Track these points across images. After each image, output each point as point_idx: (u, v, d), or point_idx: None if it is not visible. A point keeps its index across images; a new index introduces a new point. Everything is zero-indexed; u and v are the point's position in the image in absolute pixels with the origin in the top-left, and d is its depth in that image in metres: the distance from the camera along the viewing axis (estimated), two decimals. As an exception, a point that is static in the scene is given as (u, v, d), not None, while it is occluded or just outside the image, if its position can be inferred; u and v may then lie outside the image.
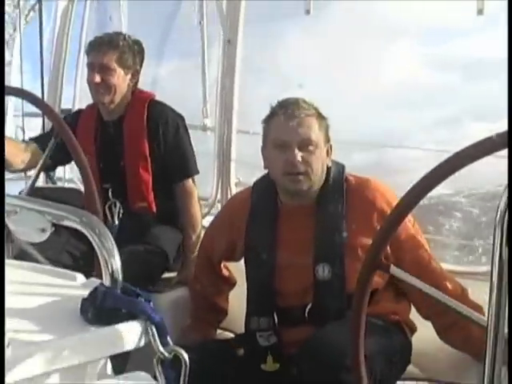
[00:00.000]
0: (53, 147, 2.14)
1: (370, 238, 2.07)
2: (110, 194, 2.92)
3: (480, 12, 2.75)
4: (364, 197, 2.25)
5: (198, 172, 3.05)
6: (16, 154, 2.78)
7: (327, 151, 2.28)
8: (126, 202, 2.93)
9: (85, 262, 2.63)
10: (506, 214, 1.33)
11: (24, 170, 3.03)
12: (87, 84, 2.93)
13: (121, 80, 2.90)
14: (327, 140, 2.27)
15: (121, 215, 2.92)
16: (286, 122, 2.20)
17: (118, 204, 2.92)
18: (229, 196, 3.49)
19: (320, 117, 2.25)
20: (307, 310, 2.21)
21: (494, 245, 1.38)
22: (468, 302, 2.15)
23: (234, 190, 3.48)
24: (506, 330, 1.37)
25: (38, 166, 2.25)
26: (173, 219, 3.01)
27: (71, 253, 2.80)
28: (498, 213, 1.35)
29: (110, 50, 2.87)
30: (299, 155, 2.17)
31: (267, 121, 2.29)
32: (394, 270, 1.55)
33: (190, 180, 3.00)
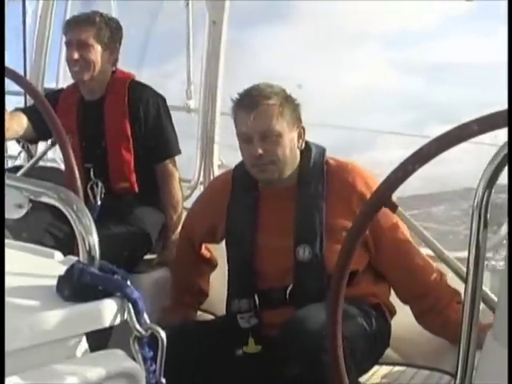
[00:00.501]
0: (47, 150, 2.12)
1: (349, 220, 2.10)
2: (91, 173, 2.91)
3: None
4: (344, 179, 2.26)
5: (179, 152, 3.05)
6: (11, 127, 2.75)
7: (299, 134, 2.27)
8: (108, 182, 2.93)
9: (67, 243, 2.62)
10: (484, 198, 1.33)
11: (10, 138, 2.99)
12: (66, 62, 2.94)
13: (99, 56, 2.90)
14: (297, 123, 2.26)
15: (103, 195, 2.91)
16: (245, 115, 2.21)
17: (99, 184, 2.91)
18: (212, 178, 3.49)
19: (285, 101, 2.23)
20: (288, 291, 2.22)
21: (471, 230, 1.38)
22: (445, 286, 2.17)
23: (217, 172, 3.47)
24: (480, 316, 1.38)
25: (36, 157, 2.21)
26: (155, 200, 3.01)
27: (53, 234, 2.79)
28: (476, 198, 1.35)
29: (88, 27, 2.87)
30: (261, 148, 2.18)
31: (232, 113, 2.30)
32: (399, 212, 1.56)
33: (171, 161, 2.99)
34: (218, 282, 2.64)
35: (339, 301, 1.56)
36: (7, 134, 2.84)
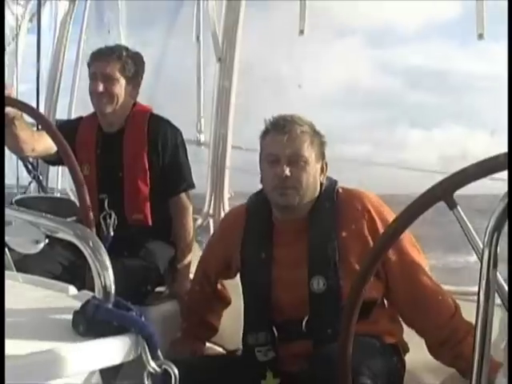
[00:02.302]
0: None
1: (362, 247, 2.15)
2: (106, 204, 2.92)
3: (480, 36, 2.77)
4: (354, 207, 2.27)
5: (194, 187, 3.08)
6: (27, 141, 2.72)
7: (322, 168, 2.30)
8: (122, 214, 2.94)
9: (76, 272, 2.64)
10: (494, 238, 1.34)
11: (34, 157, 3.01)
12: (89, 94, 2.94)
13: (123, 90, 2.93)
14: (321, 157, 2.29)
15: (115, 226, 2.92)
16: (276, 137, 2.23)
17: (113, 215, 2.92)
18: (222, 211, 3.51)
19: (315, 133, 2.27)
20: (304, 322, 2.22)
21: (481, 267, 1.39)
22: (461, 318, 2.15)
23: (227, 205, 3.50)
24: (492, 352, 1.38)
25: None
26: (166, 232, 3.03)
27: (62, 263, 2.80)
28: (487, 234, 1.36)
29: (114, 60, 2.90)
30: (288, 170, 2.19)
31: (262, 136, 2.32)
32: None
33: (186, 194, 3.02)
34: (228, 315, 2.65)
35: (351, 329, 1.56)
36: (33, 155, 2.87)
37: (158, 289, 3.05)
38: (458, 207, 1.54)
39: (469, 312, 2.12)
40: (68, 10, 4.70)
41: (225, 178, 3.56)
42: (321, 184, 2.31)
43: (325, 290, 2.19)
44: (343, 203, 2.29)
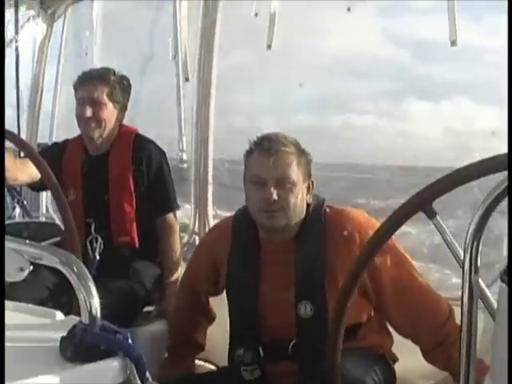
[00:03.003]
0: None
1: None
2: (92, 228, 2.93)
3: (453, 43, 2.79)
4: (342, 229, 2.21)
5: (178, 207, 3.09)
6: (10, 170, 2.69)
7: (308, 187, 2.25)
8: (109, 236, 2.94)
9: (62, 296, 2.63)
10: (474, 245, 1.35)
11: (28, 184, 3.00)
12: (76, 118, 2.94)
13: (111, 114, 2.94)
14: (308, 176, 2.25)
15: (102, 249, 2.92)
16: (262, 159, 2.18)
17: (99, 239, 2.92)
18: (206, 228, 3.52)
19: (300, 153, 2.22)
20: (291, 345, 2.21)
21: (463, 275, 1.40)
22: (454, 323, 2.13)
23: (212, 222, 3.51)
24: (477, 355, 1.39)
25: None
26: (152, 252, 3.04)
27: (48, 287, 2.80)
28: (465, 244, 1.37)
29: (101, 85, 2.90)
30: (275, 193, 2.15)
31: (246, 156, 2.27)
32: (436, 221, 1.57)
33: (172, 214, 3.03)
34: (216, 331, 2.65)
35: (337, 352, 1.58)
36: (15, 183, 2.86)
37: (147, 308, 3.05)
38: (437, 217, 1.56)
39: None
40: (46, 33, 4.71)
41: (208, 194, 3.57)
42: (307, 204, 2.27)
43: (312, 315, 2.17)
44: (331, 224, 2.24)
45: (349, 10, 3.31)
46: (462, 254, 1.39)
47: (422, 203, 1.51)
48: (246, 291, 2.30)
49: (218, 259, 2.41)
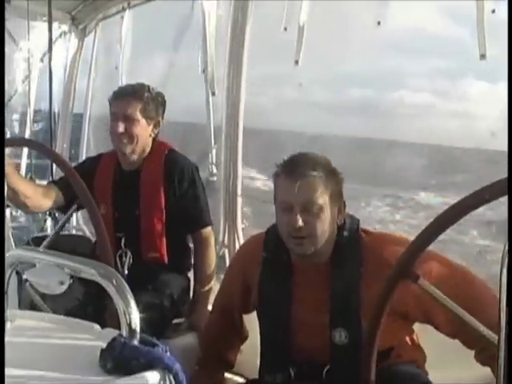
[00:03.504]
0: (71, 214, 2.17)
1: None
2: (122, 243, 2.96)
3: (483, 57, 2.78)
4: (380, 255, 2.12)
5: (211, 223, 3.12)
6: (30, 196, 2.75)
7: (339, 209, 2.18)
8: (138, 252, 2.96)
9: (96, 306, 2.66)
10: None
11: (43, 212, 3.06)
12: (110, 133, 2.97)
13: (144, 130, 2.95)
14: (338, 198, 2.17)
15: (131, 264, 2.95)
16: (288, 184, 2.12)
17: (128, 253, 2.95)
18: (236, 241, 3.54)
19: (329, 175, 2.14)
20: (325, 371, 2.17)
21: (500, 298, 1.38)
22: None
23: (242, 235, 3.53)
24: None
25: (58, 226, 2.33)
26: (181, 266, 3.07)
27: (80, 299, 2.83)
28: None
29: (135, 101, 2.92)
30: (301, 220, 2.09)
31: (274, 177, 2.21)
32: (422, 282, 1.57)
33: (208, 228, 3.05)
34: (246, 343, 2.64)
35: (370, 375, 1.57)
36: (41, 211, 2.90)
37: (177, 320, 3.07)
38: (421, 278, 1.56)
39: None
40: (77, 48, 4.79)
41: (237, 206, 3.59)
42: (339, 225, 2.20)
43: (347, 342, 2.12)
44: (369, 249, 2.17)
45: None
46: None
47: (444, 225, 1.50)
48: (277, 312, 2.25)
49: (250, 278, 2.37)
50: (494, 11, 2.69)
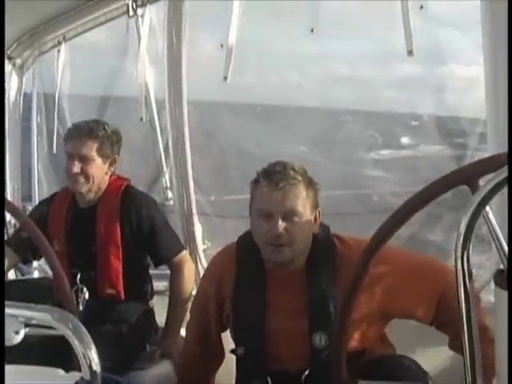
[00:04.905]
0: None
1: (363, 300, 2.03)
2: (78, 279, 2.92)
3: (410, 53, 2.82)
4: (354, 260, 2.01)
5: (184, 247, 3.14)
6: None
7: (315, 218, 2.21)
8: (95, 288, 2.94)
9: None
10: (465, 251, 1.35)
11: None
12: (65, 172, 2.94)
13: (99, 169, 2.93)
14: (315, 207, 2.21)
15: (86, 300, 2.92)
16: (270, 193, 2.14)
17: (84, 289, 2.92)
18: (199, 263, 3.52)
19: (308, 184, 2.18)
20: (304, 376, 2.18)
21: (457, 282, 1.40)
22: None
23: (203, 257, 3.52)
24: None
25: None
26: (140, 297, 3.06)
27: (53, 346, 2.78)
28: (456, 251, 1.36)
29: (90, 141, 2.89)
30: (282, 226, 2.12)
31: (253, 186, 2.23)
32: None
33: (182, 253, 3.04)
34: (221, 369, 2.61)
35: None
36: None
37: (150, 348, 3.04)
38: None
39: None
40: (17, 86, 4.73)
41: (195, 227, 3.58)
42: (314, 233, 2.24)
43: (326, 345, 2.14)
44: (341, 256, 2.21)
45: None
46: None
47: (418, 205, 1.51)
48: (252, 320, 2.25)
49: (223, 290, 2.35)
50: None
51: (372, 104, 3.51)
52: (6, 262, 2.90)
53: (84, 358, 1.23)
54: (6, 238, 3.38)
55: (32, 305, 1.37)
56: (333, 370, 1.73)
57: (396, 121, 3.50)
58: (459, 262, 1.39)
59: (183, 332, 3.02)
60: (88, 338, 1.25)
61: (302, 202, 2.14)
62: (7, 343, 1.40)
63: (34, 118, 4.66)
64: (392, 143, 3.54)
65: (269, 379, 2.22)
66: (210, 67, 3.74)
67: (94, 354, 1.24)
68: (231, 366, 2.36)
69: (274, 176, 2.15)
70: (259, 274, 2.27)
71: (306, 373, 2.18)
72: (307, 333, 2.17)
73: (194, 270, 3.06)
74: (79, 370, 1.31)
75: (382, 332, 2.31)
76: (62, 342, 2.41)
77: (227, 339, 2.44)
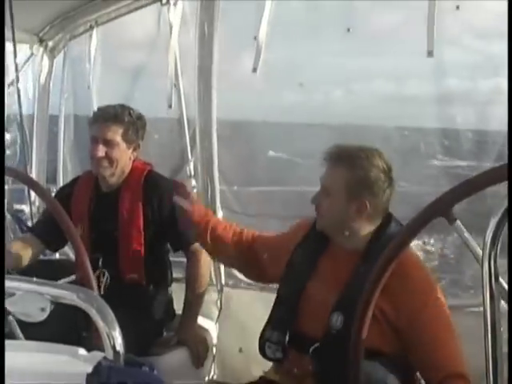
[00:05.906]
0: None
1: (387, 302, 2.08)
2: (100, 263, 2.94)
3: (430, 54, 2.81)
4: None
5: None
6: (23, 256, 2.84)
7: (359, 206, 2.27)
8: (117, 272, 2.96)
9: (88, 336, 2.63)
10: (492, 253, 1.35)
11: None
12: (90, 156, 2.95)
13: (123, 154, 2.94)
14: (355, 194, 2.27)
15: (108, 285, 2.95)
16: (330, 168, 2.31)
17: (106, 274, 2.94)
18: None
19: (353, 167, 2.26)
20: (312, 348, 2.23)
21: (483, 282, 1.39)
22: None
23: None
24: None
25: None
26: (160, 283, 3.07)
27: (64, 323, 2.79)
28: (487, 246, 1.36)
29: (116, 125, 2.90)
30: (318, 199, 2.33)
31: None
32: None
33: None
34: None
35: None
36: (29, 263, 2.90)
37: (167, 335, 3.05)
38: (458, 221, 1.56)
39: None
40: (48, 68, 4.76)
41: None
42: (383, 219, 2.31)
43: (340, 327, 2.18)
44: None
45: None
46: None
47: (442, 209, 1.50)
48: (296, 279, 2.36)
49: (292, 244, 2.46)
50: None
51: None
52: (31, 250, 2.90)
53: (108, 337, 1.24)
54: (30, 225, 3.39)
55: (58, 283, 1.39)
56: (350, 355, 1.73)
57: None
58: (486, 263, 1.38)
59: (200, 320, 3.07)
60: (112, 317, 1.27)
61: (338, 184, 2.27)
62: (32, 320, 1.42)
63: (63, 101, 4.68)
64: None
65: (287, 334, 2.30)
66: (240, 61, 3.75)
67: (117, 334, 1.25)
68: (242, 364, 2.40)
69: (335, 153, 2.31)
70: (320, 246, 2.39)
71: (315, 346, 2.23)
72: (329, 310, 2.23)
73: (210, 258, 3.06)
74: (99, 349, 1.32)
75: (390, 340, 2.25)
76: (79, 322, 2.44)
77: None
